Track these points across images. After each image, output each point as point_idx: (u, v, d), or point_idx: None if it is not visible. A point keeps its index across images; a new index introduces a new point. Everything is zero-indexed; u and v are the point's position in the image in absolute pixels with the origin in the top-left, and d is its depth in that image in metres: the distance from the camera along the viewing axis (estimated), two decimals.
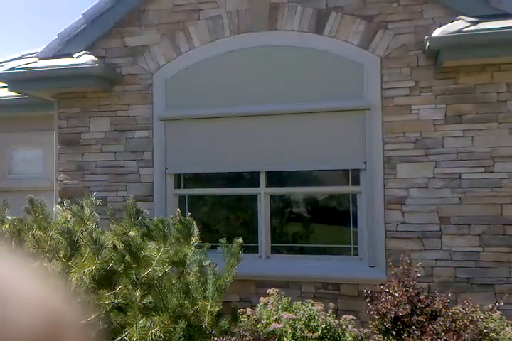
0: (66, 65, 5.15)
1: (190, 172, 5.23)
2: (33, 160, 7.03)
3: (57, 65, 5.18)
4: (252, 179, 5.08)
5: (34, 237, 3.07)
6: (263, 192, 4.98)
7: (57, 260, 2.89)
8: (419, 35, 4.56)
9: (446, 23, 4.40)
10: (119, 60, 5.36)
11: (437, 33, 4.36)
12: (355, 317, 3.81)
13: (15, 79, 5.34)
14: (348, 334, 3.59)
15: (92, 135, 5.41)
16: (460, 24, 4.32)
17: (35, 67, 5.24)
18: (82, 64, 5.11)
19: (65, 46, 5.37)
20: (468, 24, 4.29)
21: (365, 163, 4.67)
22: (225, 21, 5.07)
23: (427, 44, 4.35)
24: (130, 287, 2.84)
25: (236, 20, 5.04)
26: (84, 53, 5.27)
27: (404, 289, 3.48)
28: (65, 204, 3.28)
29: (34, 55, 5.57)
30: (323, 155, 4.78)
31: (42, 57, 5.40)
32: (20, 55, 6.66)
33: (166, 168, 5.18)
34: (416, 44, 4.57)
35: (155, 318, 2.66)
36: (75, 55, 5.27)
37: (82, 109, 5.45)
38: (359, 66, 4.72)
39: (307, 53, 4.83)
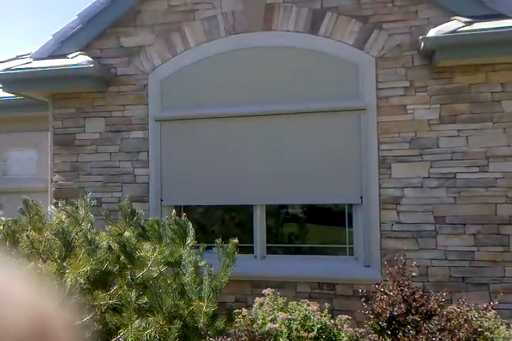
0: (61, 66, 5.14)
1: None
2: (27, 161, 7.01)
3: (52, 66, 5.17)
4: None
5: (29, 238, 3.06)
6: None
7: (51, 261, 2.88)
8: (414, 36, 4.57)
9: (441, 24, 4.42)
10: (115, 60, 5.35)
11: (432, 33, 4.37)
12: (350, 317, 3.81)
13: (9, 80, 5.32)
14: (343, 334, 3.60)
15: (87, 135, 5.40)
16: (455, 24, 4.33)
17: (30, 68, 5.23)
18: (77, 64, 5.10)
19: (60, 47, 5.36)
20: (463, 24, 4.30)
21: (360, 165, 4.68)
22: (221, 22, 5.07)
23: (422, 44, 4.36)
24: (125, 288, 2.83)
25: (231, 20, 5.04)
26: (80, 54, 5.26)
27: (399, 288, 3.48)
28: (59, 205, 3.27)
29: (29, 55, 5.56)
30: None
31: (37, 57, 5.39)
32: (15, 56, 6.65)
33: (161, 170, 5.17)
34: (411, 44, 4.59)
35: (150, 319, 2.65)
36: (69, 56, 5.25)
37: (77, 109, 5.44)
38: (354, 66, 4.73)
39: (303, 54, 4.84)
